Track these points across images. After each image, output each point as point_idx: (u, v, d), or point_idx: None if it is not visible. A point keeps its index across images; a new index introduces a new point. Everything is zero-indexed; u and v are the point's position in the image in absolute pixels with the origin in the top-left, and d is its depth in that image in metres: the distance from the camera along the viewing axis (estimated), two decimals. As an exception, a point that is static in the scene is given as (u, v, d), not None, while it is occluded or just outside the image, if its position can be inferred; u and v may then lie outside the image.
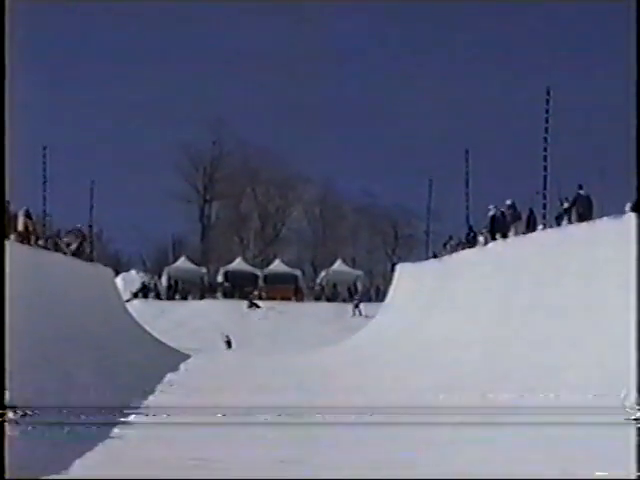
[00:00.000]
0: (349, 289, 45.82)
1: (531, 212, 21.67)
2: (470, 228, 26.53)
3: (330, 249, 54.29)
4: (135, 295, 41.48)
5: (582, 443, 9.57)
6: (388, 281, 34.69)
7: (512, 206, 21.94)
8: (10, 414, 7.75)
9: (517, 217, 21.77)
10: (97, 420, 11.57)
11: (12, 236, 22.09)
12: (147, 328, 31.64)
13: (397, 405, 14.42)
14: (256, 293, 44.02)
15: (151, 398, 16.18)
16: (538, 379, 13.36)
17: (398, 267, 32.94)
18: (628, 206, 16.17)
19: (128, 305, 35.89)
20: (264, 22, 64.43)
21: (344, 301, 43.49)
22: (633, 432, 9.51)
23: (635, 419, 9.98)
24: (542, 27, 65.55)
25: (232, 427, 13.08)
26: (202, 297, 43.90)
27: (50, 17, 54.69)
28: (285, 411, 14.36)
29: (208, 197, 58.67)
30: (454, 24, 63.18)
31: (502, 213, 22.57)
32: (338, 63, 66.07)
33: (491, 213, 22.83)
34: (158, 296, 43.36)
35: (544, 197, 21.81)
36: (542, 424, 10.72)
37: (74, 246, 28.20)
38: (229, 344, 33.02)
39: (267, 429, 12.64)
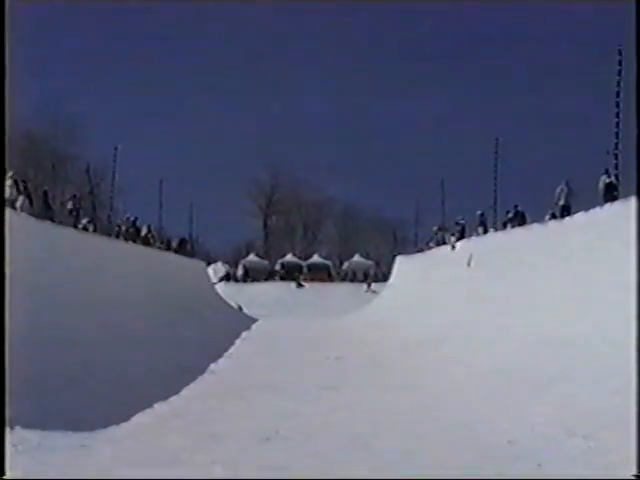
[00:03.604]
0: (364, 274, 45.68)
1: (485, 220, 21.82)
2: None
3: (351, 247, 54.18)
4: (221, 280, 41.59)
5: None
6: (390, 268, 34.50)
7: (482, 214, 21.99)
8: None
9: (484, 222, 21.84)
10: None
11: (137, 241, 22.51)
12: (229, 302, 31.77)
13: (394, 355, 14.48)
14: (302, 277, 44.00)
15: (232, 349, 16.33)
16: (487, 339, 12.85)
17: (397, 259, 32.82)
18: (547, 217, 16.37)
19: (216, 287, 36.13)
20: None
21: (361, 282, 43.36)
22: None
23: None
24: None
25: (287, 363, 13.23)
26: (266, 280, 43.94)
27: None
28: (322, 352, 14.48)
29: (269, 213, 59.30)
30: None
31: (462, 226, 22.79)
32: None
33: (462, 222, 23.09)
34: (236, 280, 43.47)
35: (494, 210, 21.86)
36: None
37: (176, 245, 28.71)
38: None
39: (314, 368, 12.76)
